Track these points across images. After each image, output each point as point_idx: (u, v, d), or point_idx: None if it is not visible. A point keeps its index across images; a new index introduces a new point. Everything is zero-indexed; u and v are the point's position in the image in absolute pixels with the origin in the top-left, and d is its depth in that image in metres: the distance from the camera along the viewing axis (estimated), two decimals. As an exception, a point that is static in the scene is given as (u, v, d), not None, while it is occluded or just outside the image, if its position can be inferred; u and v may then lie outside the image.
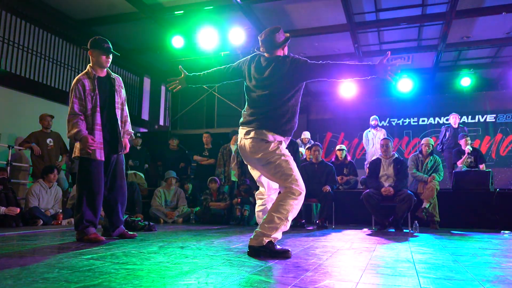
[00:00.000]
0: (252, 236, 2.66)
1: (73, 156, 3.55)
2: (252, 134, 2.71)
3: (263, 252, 2.59)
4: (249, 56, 2.95)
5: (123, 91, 3.78)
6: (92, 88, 3.50)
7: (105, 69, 3.67)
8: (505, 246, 3.67)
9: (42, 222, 5.40)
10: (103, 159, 3.50)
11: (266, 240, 2.60)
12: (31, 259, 2.37)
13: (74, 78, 4.81)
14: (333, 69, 2.72)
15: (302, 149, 7.48)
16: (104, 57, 3.57)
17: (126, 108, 3.78)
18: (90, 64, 3.61)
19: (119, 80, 3.76)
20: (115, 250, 2.81)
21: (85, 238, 3.34)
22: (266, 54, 2.86)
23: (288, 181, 2.64)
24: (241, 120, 2.83)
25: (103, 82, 3.61)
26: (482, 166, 6.89)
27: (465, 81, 9.51)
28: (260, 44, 2.86)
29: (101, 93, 3.55)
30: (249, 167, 2.96)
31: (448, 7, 6.87)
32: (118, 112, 3.65)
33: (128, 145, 3.76)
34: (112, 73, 3.75)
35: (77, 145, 3.49)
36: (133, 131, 3.86)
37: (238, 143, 2.85)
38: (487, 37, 8.20)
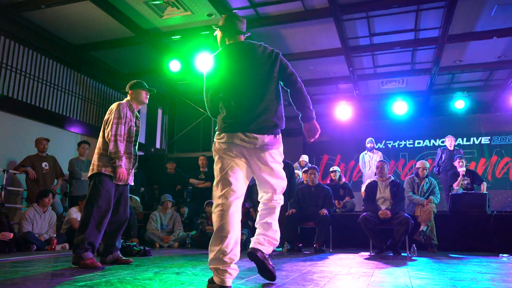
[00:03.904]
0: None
1: (91, 173, 3.59)
2: None
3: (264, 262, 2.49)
4: None
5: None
6: (132, 119, 3.77)
7: (140, 106, 3.95)
8: (504, 270, 3.63)
9: (35, 247, 5.32)
10: (131, 183, 3.77)
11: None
12: (24, 287, 2.32)
13: (70, 102, 4.78)
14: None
15: (299, 172, 7.48)
16: (144, 93, 3.89)
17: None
18: (128, 99, 3.86)
19: (140, 122, 4.03)
20: (109, 277, 2.76)
21: (82, 263, 3.30)
22: None
23: None
24: None
25: (136, 118, 3.88)
26: (483, 187, 6.86)
27: (459, 103, 9.62)
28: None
29: (136, 126, 3.83)
30: None
31: (441, 31, 7.02)
32: (136, 148, 3.89)
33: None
34: (138, 114, 4.00)
35: (97, 162, 3.58)
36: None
37: None
38: (479, 61, 8.34)
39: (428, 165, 6.37)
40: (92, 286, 2.37)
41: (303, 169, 7.21)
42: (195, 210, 7.37)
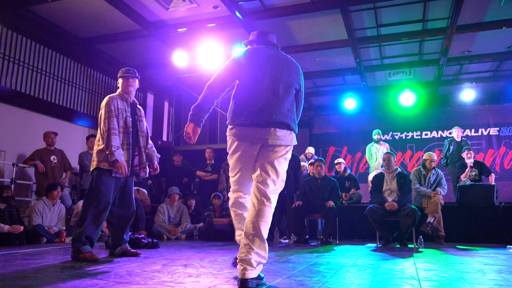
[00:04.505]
0: None
1: (91, 168, 3.62)
2: None
3: None
4: None
5: (145, 121, 4.00)
6: (125, 109, 3.72)
7: (132, 96, 3.90)
8: (511, 261, 3.62)
9: (45, 240, 5.39)
10: (128, 174, 3.67)
11: None
12: (35, 279, 2.37)
13: (77, 95, 4.72)
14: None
15: (305, 163, 7.48)
16: (127, 81, 3.81)
17: (150, 140, 4.01)
18: (120, 91, 3.83)
19: (142, 111, 4.00)
20: (118, 269, 2.80)
21: (80, 256, 3.34)
22: None
23: None
24: None
25: (132, 108, 3.84)
26: (492, 178, 6.81)
27: (468, 94, 9.53)
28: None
29: (132, 115, 3.78)
30: None
31: (449, 22, 6.93)
32: (141, 140, 3.85)
33: (157, 167, 3.99)
34: (138, 103, 3.98)
35: (97, 157, 3.58)
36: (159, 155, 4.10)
37: None
38: (488, 51, 8.24)
39: (435, 156, 6.33)
40: (102, 278, 2.41)
41: (309, 161, 7.21)
42: (202, 202, 7.41)
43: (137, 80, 3.90)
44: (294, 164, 6.24)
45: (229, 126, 2.50)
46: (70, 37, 7.59)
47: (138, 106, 3.96)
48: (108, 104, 3.63)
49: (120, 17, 6.87)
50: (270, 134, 2.38)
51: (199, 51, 7.71)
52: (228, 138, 2.52)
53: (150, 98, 10.16)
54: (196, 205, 7.37)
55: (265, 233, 2.26)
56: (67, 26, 7.33)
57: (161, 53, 8.31)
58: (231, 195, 2.64)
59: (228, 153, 2.54)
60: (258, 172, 2.40)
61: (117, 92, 3.83)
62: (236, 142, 2.47)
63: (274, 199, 2.36)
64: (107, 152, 3.54)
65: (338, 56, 8.51)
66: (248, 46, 2.72)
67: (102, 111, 3.64)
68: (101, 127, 3.60)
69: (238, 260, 2.21)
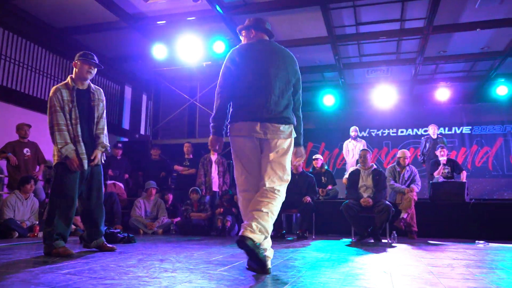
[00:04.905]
0: None
1: (54, 163, 3.51)
2: None
3: None
4: None
5: (102, 104, 3.74)
6: (70, 99, 3.50)
7: (87, 82, 3.67)
8: (478, 256, 3.76)
9: (17, 234, 5.28)
10: (86, 167, 3.49)
11: None
12: (6, 275, 2.32)
13: (52, 86, 4.50)
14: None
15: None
16: (86, 67, 3.59)
17: (103, 121, 3.72)
18: (72, 76, 3.61)
19: (99, 93, 3.74)
20: (93, 264, 2.77)
21: (54, 251, 3.26)
22: None
23: None
24: None
25: (82, 95, 3.60)
26: (463, 175, 7.03)
27: (442, 93, 9.76)
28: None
29: (80, 105, 3.54)
30: None
31: (426, 22, 7.08)
32: (95, 126, 3.64)
33: (98, 158, 3.63)
34: (93, 86, 3.73)
35: (55, 151, 3.46)
36: (109, 145, 3.75)
37: None
38: (462, 52, 8.46)
39: (409, 154, 6.48)
40: (75, 273, 2.38)
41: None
42: (180, 197, 7.38)
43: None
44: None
45: (229, 126, 2.61)
46: (45, 27, 7.39)
47: (93, 89, 3.69)
48: (50, 99, 3.45)
49: (98, 8, 6.73)
50: (269, 128, 2.50)
51: (178, 44, 7.64)
52: (230, 139, 2.62)
53: (128, 91, 10.01)
54: (173, 200, 7.34)
55: (271, 213, 2.43)
56: (42, 15, 7.14)
57: (140, 46, 8.20)
58: (241, 195, 2.63)
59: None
60: (265, 171, 2.52)
61: (67, 80, 3.59)
62: (238, 139, 2.57)
63: (283, 189, 2.55)
64: (56, 149, 3.42)
65: (318, 53, 8.58)
66: (242, 36, 2.83)
67: (48, 106, 3.48)
68: (48, 124, 3.44)
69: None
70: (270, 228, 2.42)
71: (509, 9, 6.68)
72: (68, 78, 3.61)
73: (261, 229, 2.34)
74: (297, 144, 2.72)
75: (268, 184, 2.48)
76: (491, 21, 7.03)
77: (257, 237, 2.30)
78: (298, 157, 2.75)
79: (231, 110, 2.64)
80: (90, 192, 3.65)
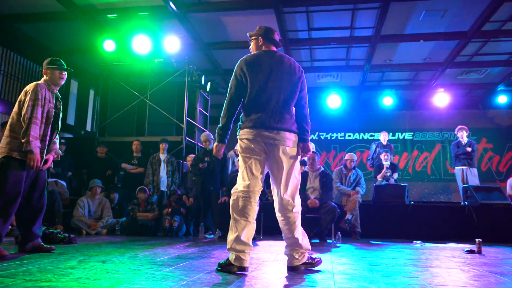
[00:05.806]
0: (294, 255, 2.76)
1: (1, 155, 3.33)
2: None
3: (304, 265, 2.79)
4: None
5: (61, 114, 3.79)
6: (49, 100, 3.54)
7: (57, 87, 3.70)
8: (415, 255, 3.97)
9: None
10: (48, 166, 3.55)
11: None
12: None
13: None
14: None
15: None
16: (57, 73, 3.65)
17: (59, 127, 3.78)
18: (47, 79, 3.62)
19: (61, 103, 3.79)
20: (28, 266, 2.63)
21: None
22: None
23: None
24: None
25: (55, 99, 3.65)
26: (395, 175, 7.41)
27: (387, 100, 10.22)
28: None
29: (56, 108, 3.63)
30: None
31: (374, 31, 7.39)
32: (54, 133, 3.67)
33: (51, 162, 3.65)
34: (59, 95, 3.77)
35: (8, 144, 3.34)
36: (61, 152, 3.83)
37: None
38: (407, 61, 8.91)
39: (355, 157, 6.72)
40: (8, 276, 2.24)
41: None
42: (127, 196, 7.17)
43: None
44: (220, 161, 6.27)
45: (240, 132, 2.77)
46: (-17, 12, 6.92)
47: (59, 97, 3.75)
48: (35, 92, 3.42)
49: (43, -4, 6.40)
50: (275, 136, 2.67)
51: (129, 39, 7.43)
52: (239, 144, 2.78)
53: (74, 85, 9.59)
54: (119, 199, 7.12)
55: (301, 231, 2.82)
56: (-20, 0, 6.68)
57: (89, 39, 7.88)
58: (238, 194, 2.76)
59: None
60: (277, 183, 2.80)
61: (42, 80, 3.61)
62: (247, 145, 2.72)
63: (298, 201, 2.85)
64: (23, 141, 3.30)
65: (271, 55, 8.66)
66: (251, 46, 3.01)
67: (27, 97, 3.41)
68: (23, 114, 3.35)
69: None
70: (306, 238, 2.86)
71: (449, 23, 7.13)
72: (45, 80, 3.62)
73: (302, 252, 2.80)
74: (303, 140, 2.82)
75: (285, 197, 2.81)
76: (433, 34, 7.47)
77: (303, 259, 2.79)
78: (305, 152, 2.85)
79: (241, 116, 2.82)
80: (34, 192, 3.53)
